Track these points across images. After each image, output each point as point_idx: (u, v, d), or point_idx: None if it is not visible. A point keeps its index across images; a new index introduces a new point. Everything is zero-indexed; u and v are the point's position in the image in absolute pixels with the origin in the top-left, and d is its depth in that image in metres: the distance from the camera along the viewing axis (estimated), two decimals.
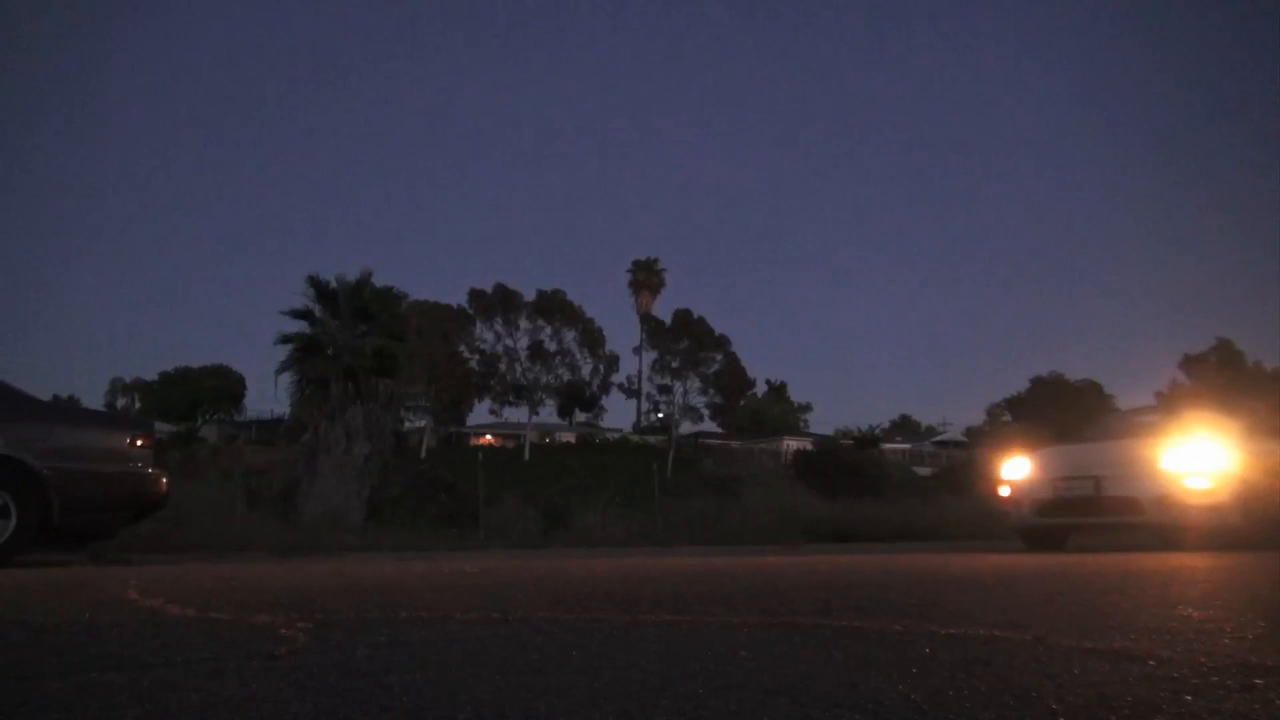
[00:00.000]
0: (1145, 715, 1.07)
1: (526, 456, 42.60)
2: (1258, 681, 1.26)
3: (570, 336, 48.81)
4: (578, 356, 49.44)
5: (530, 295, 48.22)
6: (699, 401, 50.85)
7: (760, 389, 57.65)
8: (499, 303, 47.60)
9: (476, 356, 47.99)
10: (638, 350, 51.83)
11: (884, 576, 3.50)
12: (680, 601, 2.35)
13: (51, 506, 5.80)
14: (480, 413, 52.03)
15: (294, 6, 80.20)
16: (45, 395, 8.42)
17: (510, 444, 50.63)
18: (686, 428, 51.16)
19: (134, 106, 70.10)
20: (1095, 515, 7.36)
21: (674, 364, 49.99)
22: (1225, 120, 69.29)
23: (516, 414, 51.01)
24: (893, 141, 76.06)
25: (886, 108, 76.40)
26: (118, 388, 48.81)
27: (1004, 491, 8.15)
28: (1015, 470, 8.11)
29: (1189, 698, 1.15)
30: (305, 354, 16.15)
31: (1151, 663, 1.39)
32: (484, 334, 48.10)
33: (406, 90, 76.48)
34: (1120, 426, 8.65)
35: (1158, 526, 7.23)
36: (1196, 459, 6.97)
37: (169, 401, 45.54)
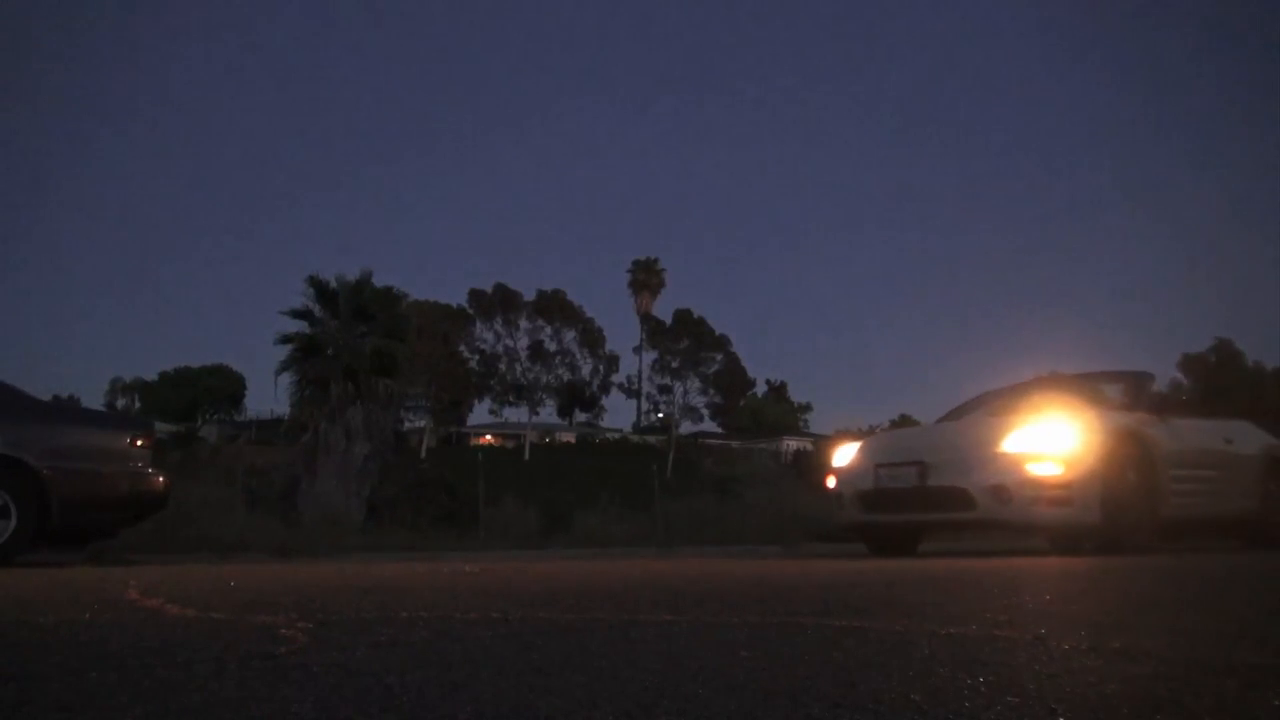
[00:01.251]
0: None
1: (526, 456, 42.61)
2: None
3: (570, 336, 48.83)
4: (578, 356, 49.45)
5: (530, 295, 48.24)
6: (699, 401, 50.88)
7: (760, 389, 57.65)
8: (499, 303, 47.60)
9: (476, 356, 48.00)
10: (638, 350, 51.85)
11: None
12: (680, 601, 2.35)
13: (51, 506, 5.81)
14: (480, 413, 52.01)
15: (293, 6, 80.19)
16: (45, 395, 8.42)
17: (510, 444, 50.61)
18: (686, 428, 51.14)
19: (134, 106, 70.13)
20: (919, 510, 6.00)
21: (674, 364, 50.00)
22: (1226, 120, 69.29)
23: (516, 414, 51.01)
24: (893, 142, 76.05)
25: (887, 108, 76.41)
26: (118, 388, 48.82)
27: (830, 483, 6.74)
28: (842, 457, 6.73)
29: None
30: (305, 354, 16.15)
31: None
32: (484, 334, 48.12)
33: (406, 90, 76.50)
34: (973, 405, 7.28)
35: (993, 525, 5.98)
36: (1046, 441, 5.57)
37: (169, 401, 45.56)
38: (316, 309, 16.57)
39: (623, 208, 77.94)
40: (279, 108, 75.58)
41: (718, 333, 50.33)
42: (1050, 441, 5.58)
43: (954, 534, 7.79)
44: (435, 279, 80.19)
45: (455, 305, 46.81)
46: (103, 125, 71.00)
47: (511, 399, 48.81)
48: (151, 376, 48.04)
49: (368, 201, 72.76)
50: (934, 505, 5.88)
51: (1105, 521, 5.44)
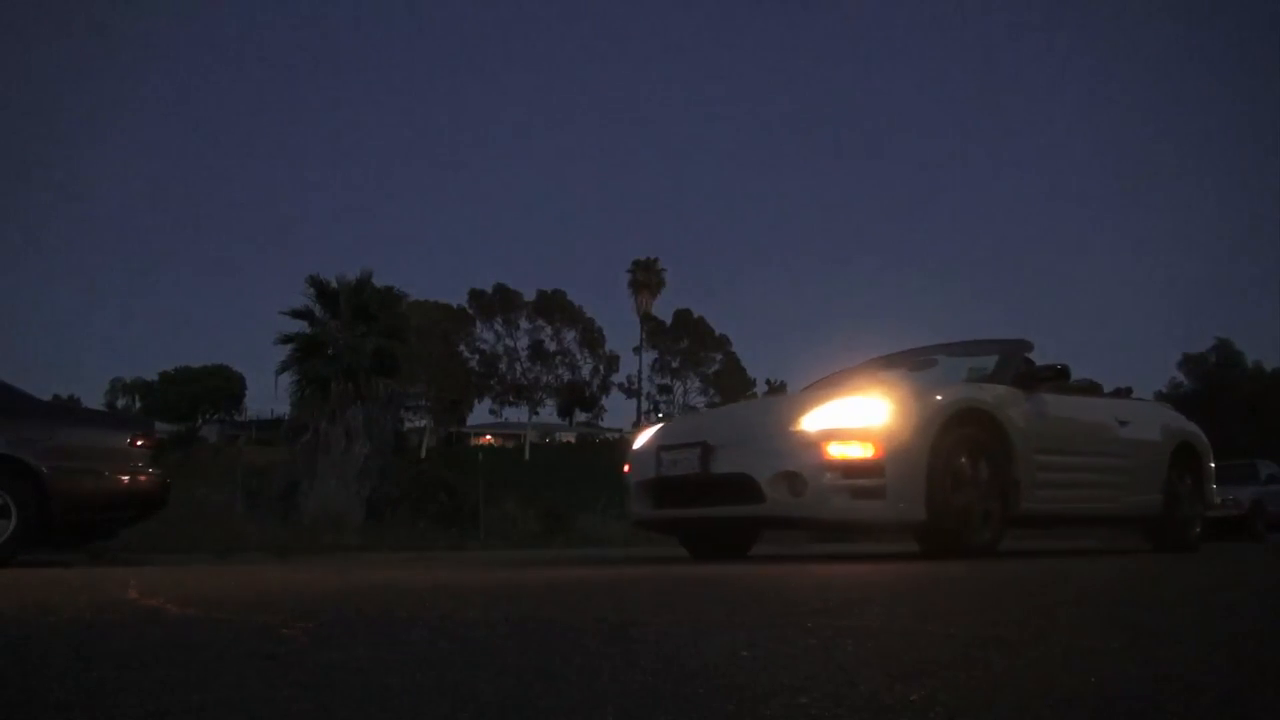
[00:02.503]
0: None
1: (526, 456, 42.59)
2: None
3: (570, 336, 48.85)
4: (578, 356, 49.47)
5: (530, 295, 48.26)
6: (699, 401, 50.85)
7: (760, 389, 57.64)
8: (499, 303, 47.62)
9: (476, 356, 48.01)
10: (638, 350, 51.82)
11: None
12: (681, 602, 2.35)
13: (51, 506, 5.81)
14: (480, 413, 52.01)
15: (293, 6, 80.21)
16: (45, 395, 8.42)
17: (510, 444, 50.58)
18: None
19: (134, 106, 70.15)
20: (703, 503, 4.84)
21: (674, 364, 50.01)
22: (1226, 119, 69.30)
23: (516, 414, 51.00)
24: (892, 142, 76.09)
25: (887, 108, 76.45)
26: (118, 388, 48.79)
27: (626, 469, 5.61)
28: (640, 440, 5.60)
29: None
30: (305, 354, 16.15)
31: None
32: (484, 334, 48.16)
33: (406, 90, 76.52)
34: (822, 384, 6.00)
35: (784, 523, 4.86)
36: (854, 417, 4.50)
37: (169, 401, 45.54)
38: (317, 309, 16.58)
39: (623, 208, 77.97)
40: (279, 107, 75.64)
41: (718, 333, 50.39)
42: (860, 418, 4.48)
43: (786, 533, 6.17)
44: (435, 279, 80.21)
45: (455, 305, 46.83)
46: (102, 125, 71.05)
47: (511, 399, 48.82)
48: (151, 376, 48.03)
49: (368, 201, 72.76)
50: (717, 497, 4.72)
51: (932, 517, 4.43)
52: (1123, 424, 5.82)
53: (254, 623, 1.80)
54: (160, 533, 8.66)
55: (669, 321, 50.44)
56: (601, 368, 50.61)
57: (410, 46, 77.40)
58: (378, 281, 17.30)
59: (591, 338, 49.10)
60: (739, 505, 4.62)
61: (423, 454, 34.75)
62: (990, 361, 5.53)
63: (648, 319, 50.76)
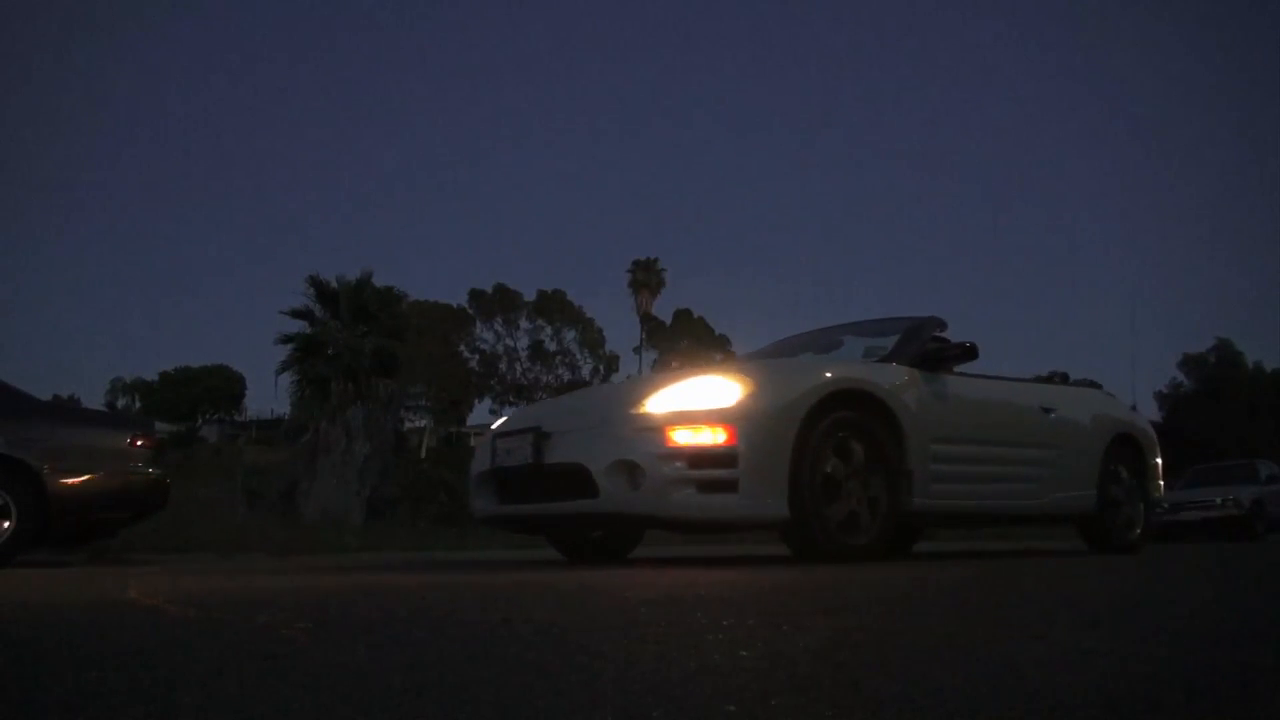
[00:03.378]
0: None
1: None
2: None
3: (570, 336, 48.81)
4: (578, 356, 49.41)
5: (530, 295, 48.23)
6: None
7: None
8: (499, 303, 47.62)
9: (476, 356, 47.98)
10: (638, 350, 51.78)
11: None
12: (680, 602, 2.35)
13: (51, 506, 5.81)
14: (480, 413, 51.96)
15: (293, 6, 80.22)
16: (45, 395, 8.43)
17: None
18: None
19: (134, 105, 70.14)
20: (537, 498, 4.28)
21: (674, 364, 49.97)
22: (1226, 119, 69.32)
23: None
24: (892, 142, 76.07)
25: (886, 109, 76.40)
26: (118, 388, 48.78)
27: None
28: (493, 429, 4.95)
29: None
30: (305, 354, 16.17)
31: None
32: (484, 334, 48.14)
33: (406, 90, 76.50)
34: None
35: (623, 521, 4.27)
36: (704, 399, 3.95)
37: (169, 401, 45.54)
38: (317, 309, 16.60)
39: (623, 208, 77.97)
40: (279, 107, 75.63)
41: (717, 333, 50.34)
42: (711, 399, 3.94)
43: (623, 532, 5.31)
44: (435, 279, 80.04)
45: (455, 305, 46.83)
46: (102, 124, 71.05)
47: (512, 399, 48.81)
48: (151, 376, 48.03)
49: (368, 201, 72.74)
50: (550, 490, 4.17)
51: (798, 515, 3.89)
52: (1047, 411, 5.27)
53: (254, 623, 1.80)
54: (160, 533, 8.66)
55: (669, 321, 50.44)
56: (602, 368, 50.59)
57: (410, 46, 77.40)
58: (378, 281, 17.35)
59: (591, 338, 49.08)
60: (571, 500, 4.04)
61: (423, 454, 34.75)
62: (893, 340, 4.96)
63: (648, 319, 50.75)
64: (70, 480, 5.95)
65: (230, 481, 14.01)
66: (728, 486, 3.82)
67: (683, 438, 3.86)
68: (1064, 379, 6.91)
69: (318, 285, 16.55)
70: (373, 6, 78.59)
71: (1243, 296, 64.42)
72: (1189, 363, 37.54)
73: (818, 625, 1.79)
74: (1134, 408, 7.53)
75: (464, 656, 1.40)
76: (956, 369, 4.95)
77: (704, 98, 79.21)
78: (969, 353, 4.80)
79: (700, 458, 3.83)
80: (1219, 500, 15.78)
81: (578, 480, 3.98)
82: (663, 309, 51.97)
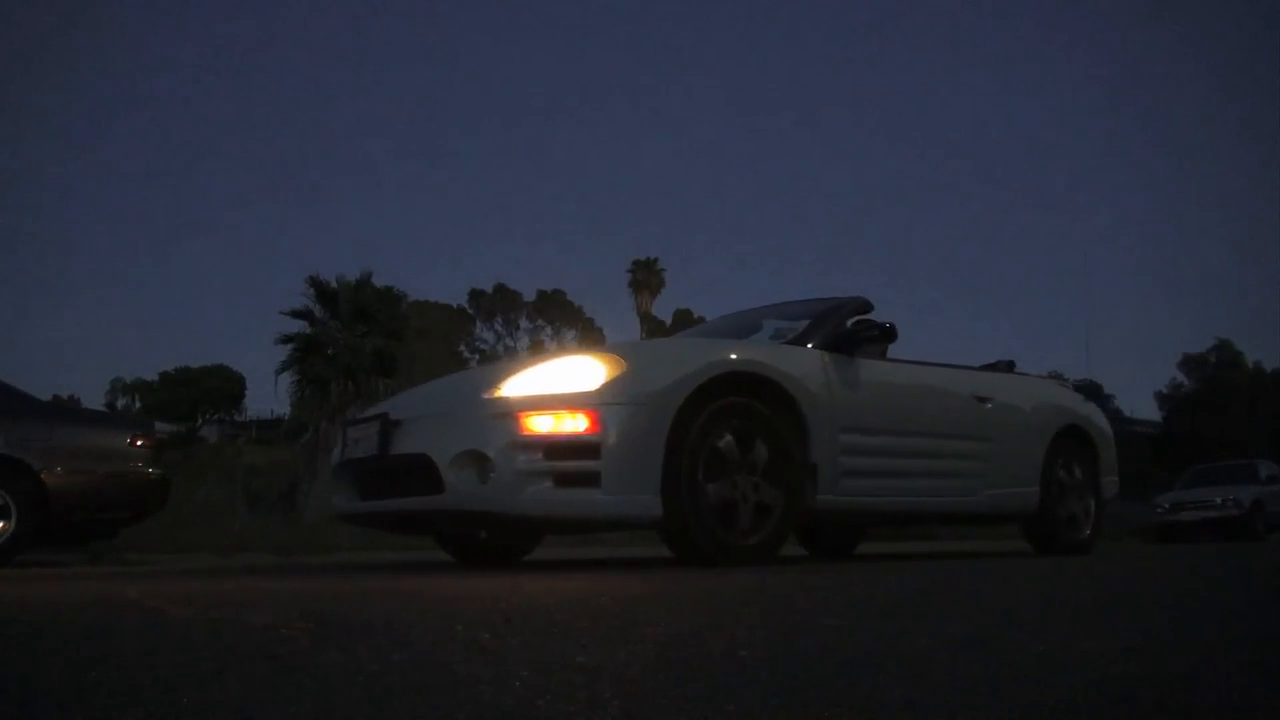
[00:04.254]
0: None
1: None
2: None
3: (570, 336, 48.77)
4: None
5: (530, 295, 48.23)
6: None
7: None
8: (499, 303, 47.63)
9: (476, 357, 47.96)
10: None
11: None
12: (679, 601, 2.35)
13: (51, 506, 5.82)
14: None
15: (292, 6, 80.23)
16: (45, 395, 8.43)
17: None
18: None
19: (133, 105, 70.11)
20: (385, 493, 3.90)
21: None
22: (1226, 118, 69.28)
23: None
24: (896, 141, 76.05)
25: (890, 108, 76.41)
26: (118, 388, 48.74)
27: None
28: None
29: None
30: (305, 354, 16.19)
31: None
32: (484, 334, 48.13)
33: (406, 90, 76.51)
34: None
35: (469, 518, 3.81)
36: (564, 383, 3.56)
37: (169, 401, 45.51)
38: (316, 309, 16.62)
39: (623, 208, 77.95)
40: (279, 107, 75.62)
41: None
42: (572, 382, 3.54)
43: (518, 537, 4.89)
44: (435, 279, 79.96)
45: (455, 305, 46.84)
46: (101, 124, 71.03)
47: None
48: (151, 376, 47.99)
49: (368, 201, 72.71)
50: (398, 484, 3.79)
51: (674, 513, 3.50)
52: (982, 400, 4.87)
53: (255, 623, 1.80)
54: (160, 533, 8.67)
55: (669, 321, 50.45)
56: None
57: (410, 46, 77.39)
58: (378, 281, 17.37)
59: (591, 338, 49.08)
60: (416, 496, 3.65)
61: None
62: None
63: (648, 319, 50.75)
64: (70, 480, 5.96)
65: (230, 482, 14.01)
66: (589, 480, 3.41)
67: (539, 425, 3.43)
68: (1009, 367, 6.00)
69: (318, 285, 16.56)
70: (372, 6, 78.59)
71: (1243, 296, 64.36)
72: (1189, 363, 37.52)
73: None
74: (1089, 382, 6.91)
75: (465, 656, 1.40)
76: (891, 357, 4.63)
77: (704, 97, 79.20)
78: (886, 334, 4.40)
79: (558, 448, 3.42)
80: (1219, 500, 15.80)
81: (423, 473, 3.56)
82: (663, 309, 51.92)
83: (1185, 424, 32.61)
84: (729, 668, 1.34)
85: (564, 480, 3.42)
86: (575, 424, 3.43)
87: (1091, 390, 29.54)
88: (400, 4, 76.76)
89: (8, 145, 68.72)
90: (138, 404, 47.55)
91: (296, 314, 16.43)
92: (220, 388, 48.64)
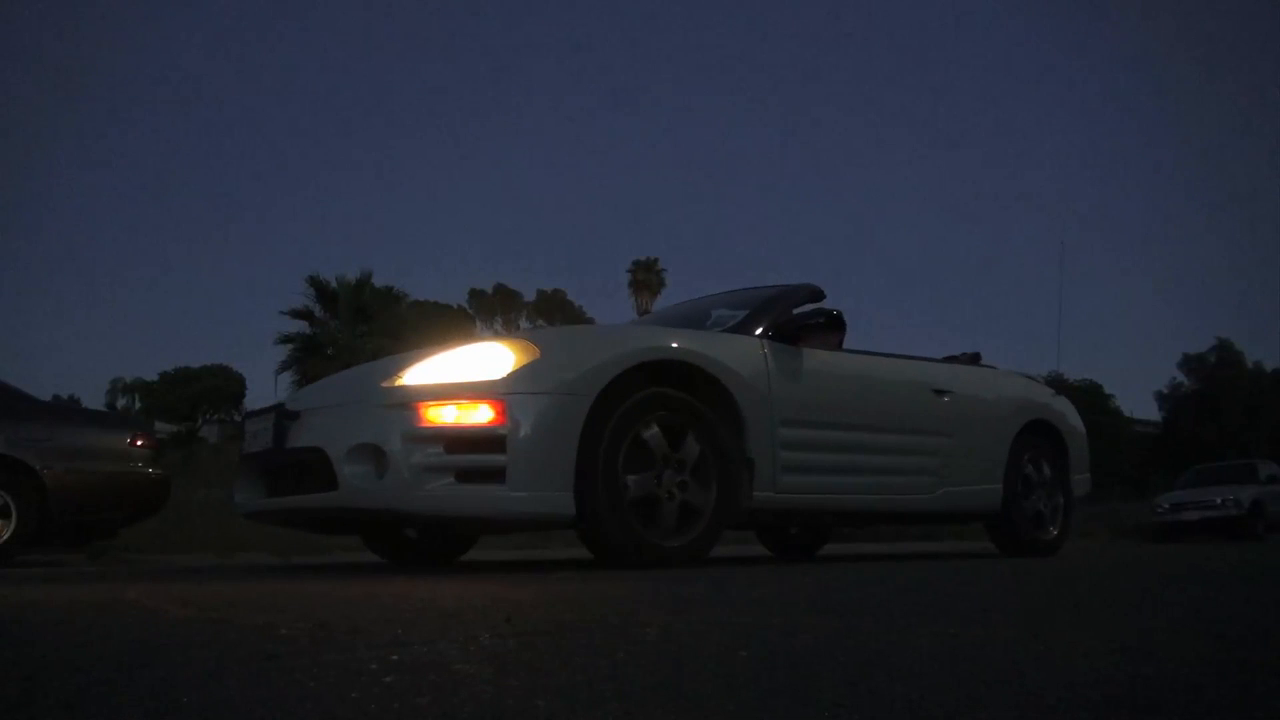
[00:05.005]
0: None
1: None
2: None
3: None
4: None
5: (530, 295, 48.25)
6: None
7: None
8: (499, 303, 47.64)
9: None
10: None
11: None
12: (679, 601, 2.35)
13: (51, 506, 5.82)
14: None
15: (293, 6, 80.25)
16: (45, 395, 8.43)
17: None
18: None
19: (134, 105, 70.12)
20: (283, 489, 3.70)
21: None
22: (1226, 117, 69.30)
23: None
24: (890, 142, 76.07)
25: (889, 108, 76.45)
26: (118, 388, 48.72)
27: None
28: None
29: None
30: (305, 354, 16.18)
31: None
32: (484, 334, 48.19)
33: (405, 90, 76.54)
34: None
35: (366, 516, 3.68)
36: (468, 370, 3.34)
37: (169, 401, 45.47)
38: (317, 309, 16.63)
39: (623, 208, 77.98)
40: (279, 107, 75.65)
41: None
42: (476, 370, 3.32)
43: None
44: (435, 279, 79.97)
45: (455, 305, 46.85)
46: (101, 123, 71.04)
47: None
48: (151, 376, 47.96)
49: (368, 201, 72.74)
50: (293, 481, 3.59)
51: (588, 510, 3.30)
52: (940, 393, 4.65)
53: (255, 623, 1.80)
54: (160, 533, 8.67)
55: None
56: None
57: (410, 46, 77.43)
58: (378, 281, 17.37)
59: None
60: (311, 492, 3.44)
61: None
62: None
63: None
64: (70, 480, 5.96)
65: (230, 482, 14.00)
66: (493, 476, 3.19)
67: (439, 416, 3.22)
68: (973, 359, 5.38)
69: (318, 285, 16.57)
70: (372, 6, 78.61)
71: (1243, 296, 64.40)
72: (1189, 363, 37.48)
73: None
74: (1047, 377, 6.41)
75: (465, 655, 1.40)
76: (846, 348, 4.46)
77: (705, 97, 79.23)
78: (833, 323, 4.18)
79: (460, 440, 3.21)
80: (1219, 500, 15.81)
81: (318, 468, 3.35)
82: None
83: (1185, 424, 32.59)
84: (729, 667, 1.34)
85: (466, 476, 3.22)
86: (479, 415, 3.21)
87: (1092, 389, 29.56)
88: (401, 4, 76.81)
89: (8, 145, 68.72)
90: (138, 404, 47.54)
91: (296, 314, 16.45)
92: (220, 388, 48.61)
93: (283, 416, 3.61)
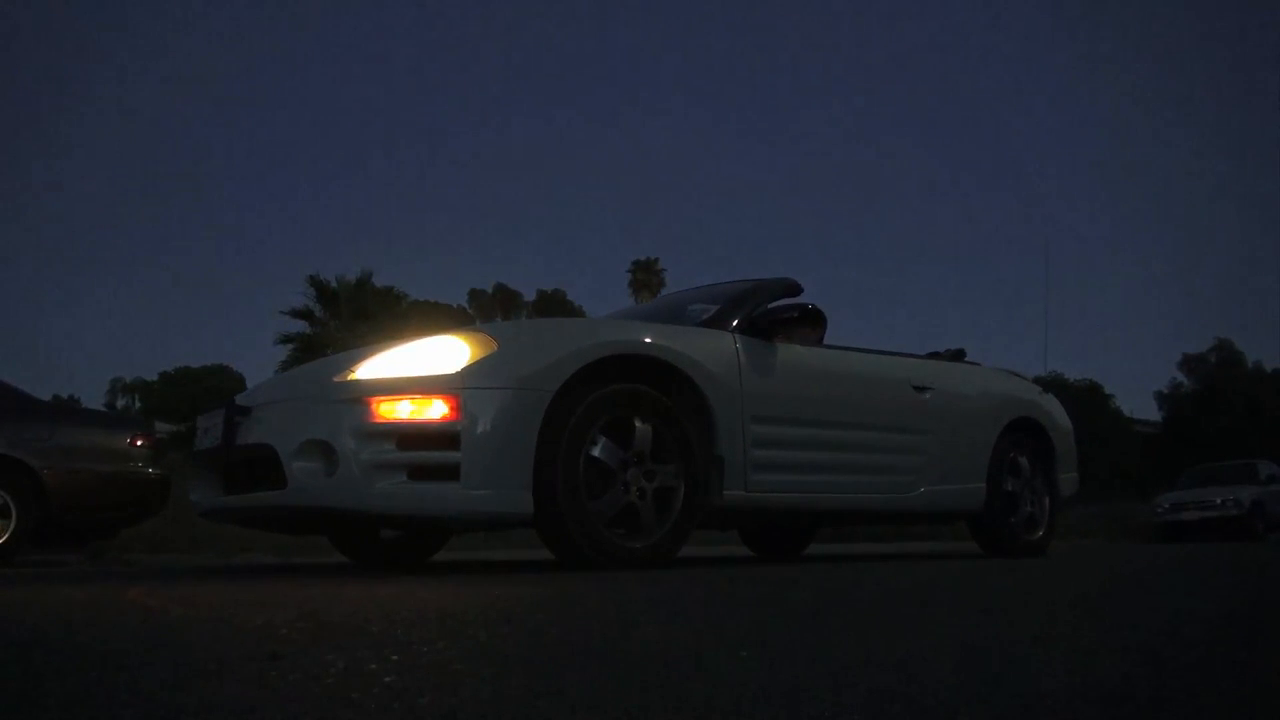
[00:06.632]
0: None
1: None
2: None
3: None
4: None
5: (530, 295, 48.23)
6: None
7: None
8: (499, 303, 47.63)
9: None
10: None
11: None
12: (679, 601, 2.35)
13: (51, 506, 5.82)
14: None
15: (293, 5, 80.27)
16: (45, 395, 8.44)
17: None
18: None
19: (134, 106, 70.12)
20: (232, 488, 3.62)
21: None
22: (1227, 117, 69.29)
23: None
24: (895, 142, 76.08)
25: (889, 109, 76.43)
26: (118, 388, 48.74)
27: None
28: None
29: None
30: (305, 354, 16.16)
31: None
32: None
33: (406, 90, 76.56)
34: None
35: (316, 514, 3.56)
36: (422, 364, 3.26)
37: (169, 401, 45.47)
38: (317, 309, 16.62)
39: (623, 208, 78.01)
40: (279, 107, 75.66)
41: None
42: (430, 364, 3.23)
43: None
44: (435, 279, 79.93)
45: (455, 305, 46.84)
46: (101, 123, 71.05)
47: None
48: (151, 376, 47.98)
49: (368, 201, 72.75)
50: (245, 478, 3.51)
51: (547, 510, 3.21)
52: (920, 390, 4.54)
53: (255, 623, 1.80)
54: (160, 532, 8.67)
55: None
56: None
57: (410, 46, 77.45)
58: (378, 281, 17.37)
59: None
60: (261, 490, 3.35)
61: None
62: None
63: None
64: (70, 480, 5.96)
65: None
66: (447, 473, 3.09)
67: (391, 411, 3.11)
68: (958, 355, 5.24)
69: (318, 285, 16.58)
70: (373, 6, 78.65)
71: (1243, 296, 64.35)
72: (1189, 363, 37.51)
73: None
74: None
75: (465, 655, 1.40)
76: (827, 343, 4.36)
77: (705, 97, 79.26)
78: (810, 317, 4.08)
79: (412, 437, 3.11)
80: (1219, 500, 15.82)
81: (267, 466, 3.26)
82: None
83: (1185, 424, 32.59)
84: (728, 667, 1.34)
85: (419, 473, 3.10)
86: (433, 410, 3.11)
87: (1092, 389, 29.56)
88: (401, 4, 76.81)
89: (8, 145, 68.72)
90: (138, 404, 47.54)
91: (296, 314, 16.46)
92: (220, 388, 48.61)
93: (233, 413, 3.49)
